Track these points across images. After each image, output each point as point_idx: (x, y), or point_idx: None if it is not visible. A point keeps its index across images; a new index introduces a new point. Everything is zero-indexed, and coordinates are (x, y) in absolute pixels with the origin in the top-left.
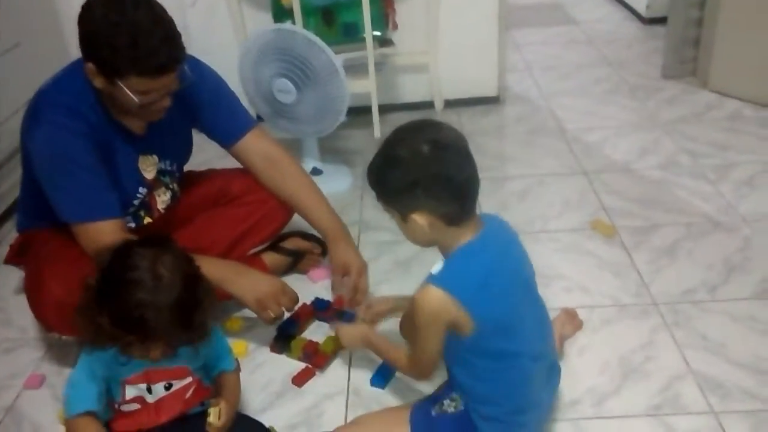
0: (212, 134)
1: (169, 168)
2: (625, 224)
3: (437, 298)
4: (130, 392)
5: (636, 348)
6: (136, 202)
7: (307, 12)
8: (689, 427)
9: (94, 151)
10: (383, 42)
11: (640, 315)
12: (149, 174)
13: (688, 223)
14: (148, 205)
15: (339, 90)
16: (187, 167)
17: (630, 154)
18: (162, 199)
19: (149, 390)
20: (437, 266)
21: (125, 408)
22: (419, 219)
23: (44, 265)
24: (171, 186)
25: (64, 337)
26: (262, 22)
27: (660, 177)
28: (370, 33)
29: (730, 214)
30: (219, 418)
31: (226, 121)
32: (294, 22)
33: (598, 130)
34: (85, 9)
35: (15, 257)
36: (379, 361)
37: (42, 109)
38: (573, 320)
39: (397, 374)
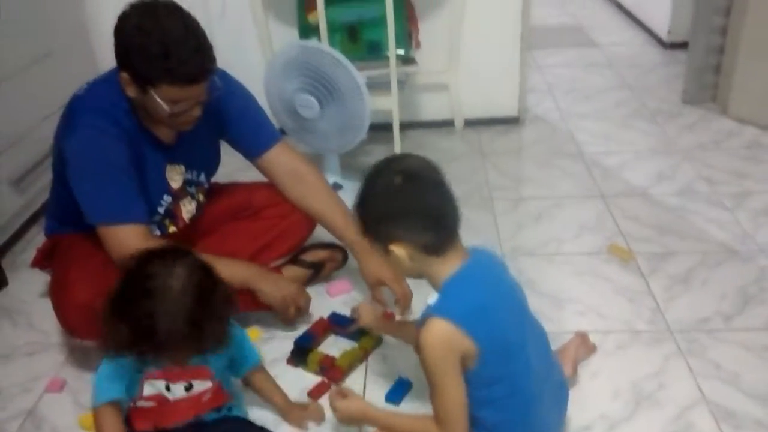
0: (238, 146)
1: (196, 178)
2: (642, 250)
3: (443, 329)
4: (148, 389)
5: (649, 375)
6: (160, 209)
7: (332, 29)
8: None
9: (127, 156)
10: (406, 60)
11: (654, 342)
12: (175, 183)
13: (705, 251)
14: (173, 215)
15: (361, 108)
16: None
17: (648, 180)
18: (187, 209)
19: (167, 388)
20: (432, 298)
21: (141, 404)
22: (397, 250)
23: (71, 270)
24: (197, 196)
25: (86, 342)
26: (288, 37)
27: (677, 203)
28: (393, 51)
29: (746, 243)
30: None
31: (253, 133)
32: (320, 39)
33: (616, 154)
34: (121, 19)
35: (42, 261)
36: (395, 376)
37: (79, 112)
38: (586, 344)
39: (413, 391)
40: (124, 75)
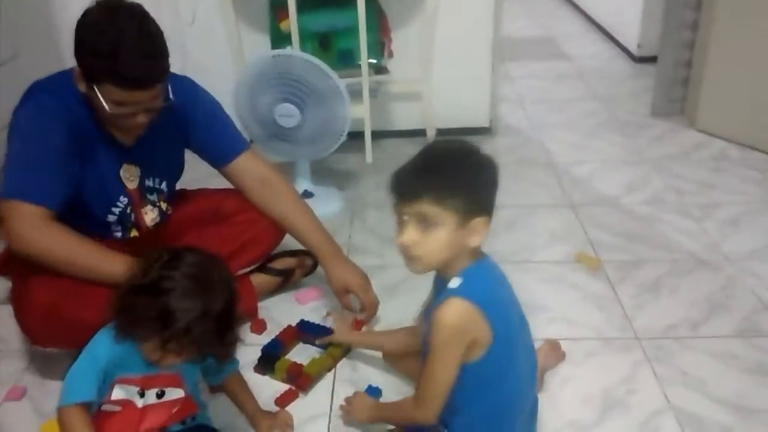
0: (205, 155)
1: (157, 186)
2: (611, 258)
3: (462, 309)
4: (117, 393)
5: (618, 382)
6: (116, 210)
7: (304, 37)
8: None
9: (70, 140)
10: (378, 69)
11: (622, 349)
12: (131, 184)
13: (673, 260)
14: (133, 220)
15: (341, 110)
16: (177, 185)
17: (617, 189)
18: (150, 217)
19: (141, 394)
20: (454, 282)
21: (106, 408)
22: (481, 224)
23: (32, 276)
24: (158, 204)
25: (47, 349)
26: (259, 44)
27: (646, 213)
28: (365, 60)
29: (714, 252)
30: None
31: (220, 142)
32: (292, 47)
33: (586, 164)
34: (83, 15)
35: (2, 267)
36: (363, 385)
37: (32, 93)
38: (556, 351)
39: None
40: (77, 69)
